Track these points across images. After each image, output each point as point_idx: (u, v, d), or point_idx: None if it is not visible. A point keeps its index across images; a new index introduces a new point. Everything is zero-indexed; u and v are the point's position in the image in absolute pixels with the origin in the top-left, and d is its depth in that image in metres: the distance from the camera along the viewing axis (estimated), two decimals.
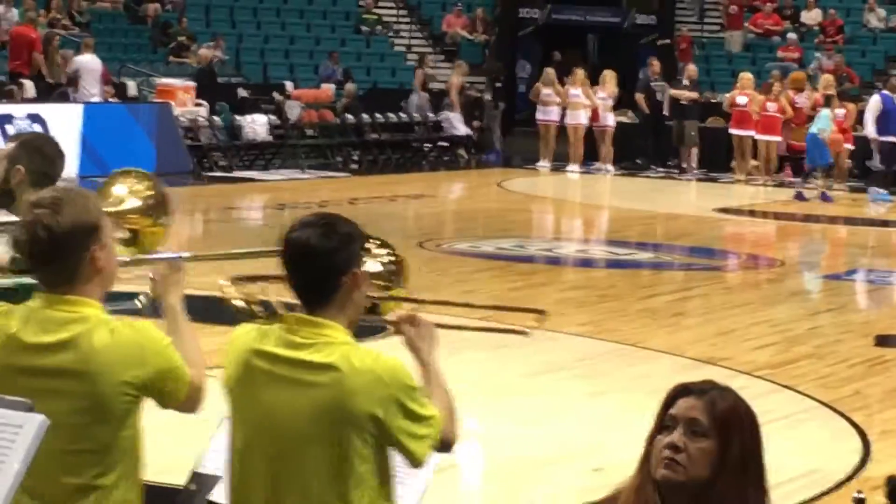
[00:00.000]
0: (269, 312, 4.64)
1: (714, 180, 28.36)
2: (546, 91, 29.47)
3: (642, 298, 15.64)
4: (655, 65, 30.59)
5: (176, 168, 25.79)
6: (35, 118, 24.61)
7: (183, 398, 4.46)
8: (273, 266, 4.51)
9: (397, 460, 4.42)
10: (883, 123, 25.93)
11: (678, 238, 20.71)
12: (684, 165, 29.23)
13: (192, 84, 28.74)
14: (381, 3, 36.26)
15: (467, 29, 35.89)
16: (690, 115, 29.19)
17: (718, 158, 28.80)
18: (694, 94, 29.22)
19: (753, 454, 3.81)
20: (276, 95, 30.17)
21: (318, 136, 29.59)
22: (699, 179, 28.69)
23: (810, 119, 27.31)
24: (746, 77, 28.43)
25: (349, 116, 30.04)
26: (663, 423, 3.83)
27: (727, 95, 29.03)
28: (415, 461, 4.38)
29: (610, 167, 29.12)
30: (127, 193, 5.01)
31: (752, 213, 24.36)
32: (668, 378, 4.07)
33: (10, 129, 24.14)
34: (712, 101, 30.74)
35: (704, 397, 3.80)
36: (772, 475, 3.80)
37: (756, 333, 13.69)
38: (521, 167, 29.94)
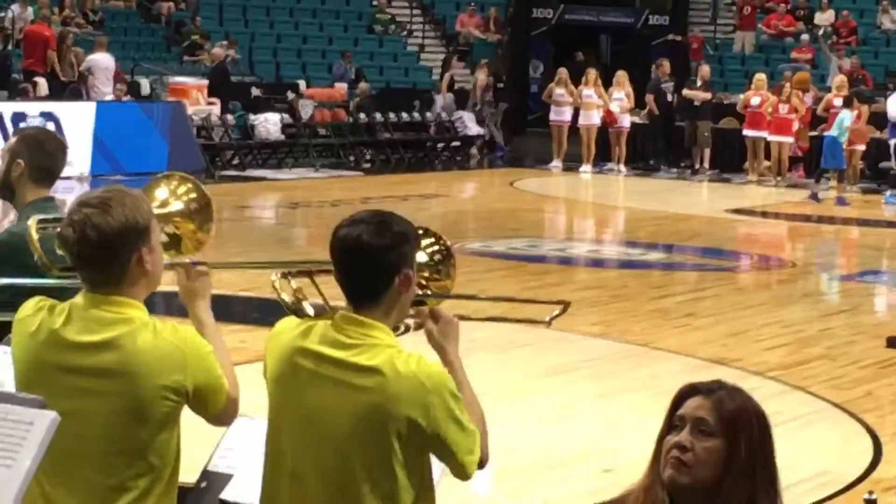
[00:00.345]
0: (318, 310, 4.52)
1: (726, 181, 28.36)
2: (559, 91, 29.50)
3: (654, 299, 15.64)
4: (665, 65, 30.63)
5: (188, 167, 25.72)
6: (48, 116, 24.64)
7: (220, 409, 4.43)
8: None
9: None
10: None
11: (690, 239, 20.70)
12: (697, 166, 29.24)
13: (205, 83, 28.79)
14: (394, 3, 36.29)
15: (480, 29, 35.89)
16: (703, 116, 29.23)
17: (731, 159, 28.81)
18: (707, 95, 29.24)
19: (762, 455, 3.80)
20: (288, 94, 30.22)
21: (330, 136, 29.63)
22: (711, 180, 28.70)
23: (816, 120, 27.32)
24: (760, 78, 28.44)
25: (362, 116, 30.07)
26: (672, 423, 3.83)
27: (741, 96, 29.03)
28: (462, 473, 4.33)
29: (622, 168, 29.13)
30: (170, 196, 4.96)
31: (764, 214, 24.35)
32: (678, 379, 4.07)
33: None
34: (725, 102, 30.72)
35: (712, 397, 3.81)
36: (783, 476, 3.80)
37: (767, 334, 13.69)
38: (533, 167, 29.96)
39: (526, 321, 5.28)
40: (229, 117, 28.17)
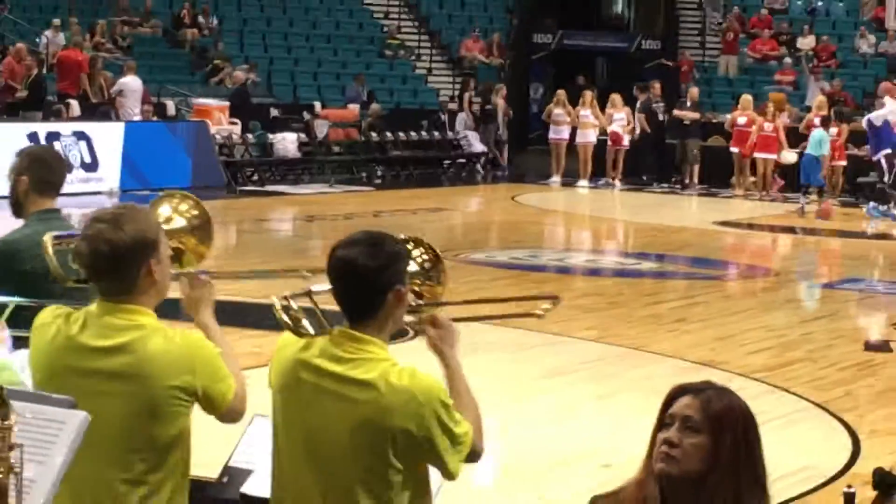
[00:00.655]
0: (316, 330, 4.55)
1: (714, 195, 28.34)
2: (558, 111, 29.56)
3: (647, 305, 15.65)
4: (656, 87, 30.75)
5: (211, 182, 25.86)
6: (80, 135, 24.68)
7: (227, 408, 4.45)
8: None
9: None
10: (885, 138, 25.88)
11: (681, 249, 20.70)
12: (686, 181, 29.27)
13: (226, 104, 28.81)
14: (403, 29, 36.32)
15: (484, 53, 35.90)
16: (693, 135, 29.31)
17: (719, 175, 28.81)
18: (696, 115, 29.29)
19: (747, 453, 3.79)
20: (305, 115, 30.25)
21: (344, 153, 29.66)
22: (700, 194, 28.68)
23: (799, 138, 27.28)
24: (746, 99, 28.52)
25: (373, 134, 30.12)
26: (664, 421, 3.83)
27: (728, 116, 29.06)
28: (448, 475, 4.35)
29: (617, 183, 29.15)
30: (173, 213, 4.99)
31: (750, 226, 24.31)
32: (670, 380, 4.06)
33: (58, 145, 24.20)
34: (713, 121, 30.73)
35: (701, 396, 3.81)
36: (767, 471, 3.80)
37: (753, 338, 13.68)
38: (534, 182, 29.96)
39: (521, 315, 5.35)
40: (249, 136, 28.20)
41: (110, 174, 24.72)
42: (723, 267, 19.68)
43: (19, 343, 5.03)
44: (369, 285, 4.30)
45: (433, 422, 4.23)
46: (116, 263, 4.37)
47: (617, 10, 40.55)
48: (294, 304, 4.51)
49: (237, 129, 28.18)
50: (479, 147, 31.79)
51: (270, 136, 28.48)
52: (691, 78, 34.12)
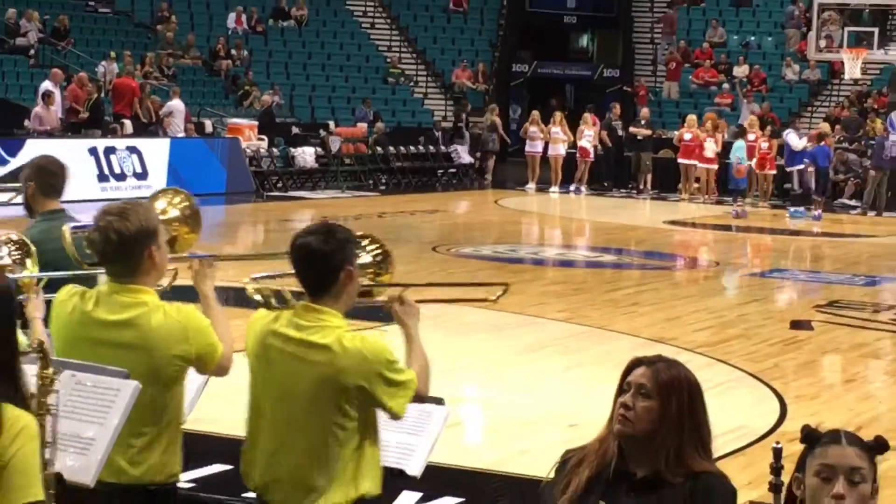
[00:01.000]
0: (281, 303, 4.69)
1: (664, 199, 28.33)
2: (532, 129, 29.62)
3: (607, 291, 15.63)
4: (617, 109, 30.85)
5: (242, 189, 25.87)
6: (133, 149, 24.67)
7: (215, 366, 4.55)
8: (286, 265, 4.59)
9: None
10: (795, 155, 25.97)
11: (636, 244, 20.70)
12: (641, 187, 29.29)
13: (255, 123, 28.82)
14: (403, 60, 36.29)
15: (471, 80, 35.89)
16: (645, 148, 29.38)
17: (668, 182, 28.83)
18: (647, 131, 29.37)
19: (691, 416, 3.80)
20: (321, 132, 30.24)
21: (354, 164, 29.63)
22: (652, 198, 28.68)
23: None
24: (691, 118, 28.56)
25: (378, 148, 30.09)
26: (622, 388, 3.84)
27: (675, 133, 29.09)
28: (395, 415, 4.46)
29: (583, 188, 29.16)
30: (168, 206, 5.01)
31: (694, 224, 24.33)
32: (627, 354, 4.05)
33: (114, 159, 24.21)
34: (663, 136, 30.75)
35: (652, 367, 3.82)
36: None
37: (696, 319, 13.67)
38: (513, 189, 29.95)
39: (477, 300, 5.40)
40: (274, 150, 28.19)
41: (158, 182, 24.65)
42: (671, 259, 19.69)
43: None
44: (324, 266, 4.41)
45: (380, 377, 4.35)
46: (123, 249, 4.42)
47: (582, 44, 40.53)
48: (264, 286, 4.69)
49: (264, 144, 28.16)
50: (467, 159, 31.80)
51: (292, 149, 28.50)
52: (647, 101, 34.14)
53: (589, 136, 29.12)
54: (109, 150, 24.22)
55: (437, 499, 7.12)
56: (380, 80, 35.36)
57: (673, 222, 24.05)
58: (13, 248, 5.20)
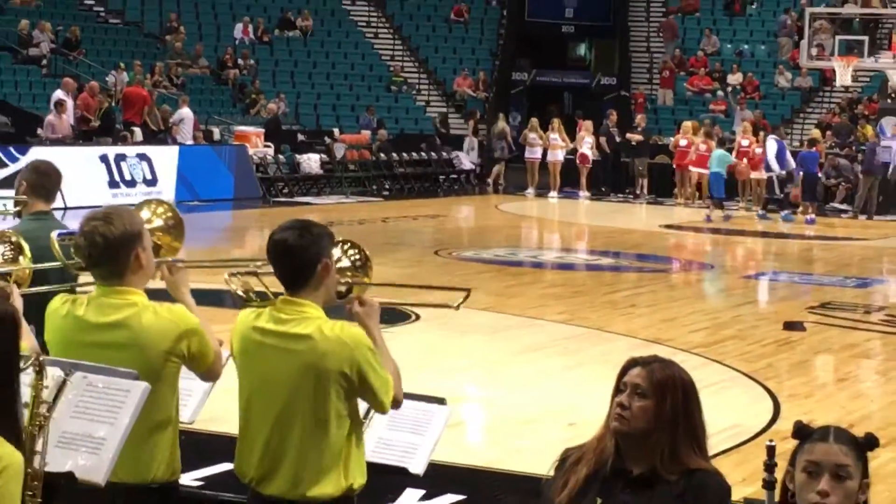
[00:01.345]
0: (261, 298, 4.69)
1: (661, 203, 28.34)
2: (532, 136, 29.63)
3: (605, 294, 15.64)
4: (613, 116, 30.80)
5: (249, 195, 25.87)
6: (143, 156, 24.68)
7: (209, 365, 4.53)
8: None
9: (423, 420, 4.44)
10: (777, 160, 26.03)
11: (633, 248, 20.70)
12: (637, 192, 29.30)
13: (261, 130, 28.83)
14: (406, 69, 36.30)
15: (472, 88, 35.89)
16: (641, 154, 29.38)
17: (664, 187, 28.82)
18: (639, 137, 29.43)
19: (685, 415, 3.79)
20: (326, 139, 30.27)
21: (358, 170, 29.64)
22: (649, 203, 28.69)
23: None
24: (686, 125, 28.47)
25: (382, 155, 30.11)
26: (619, 387, 3.83)
27: (672, 139, 29.07)
28: (381, 408, 4.45)
29: (581, 193, 29.17)
30: (152, 216, 5.01)
31: (689, 228, 24.32)
32: (625, 354, 4.05)
33: (124, 166, 24.21)
34: (659, 143, 30.75)
35: (648, 367, 3.81)
36: None
37: (692, 320, 13.67)
38: (513, 194, 29.95)
39: (438, 305, 5.30)
40: (280, 156, 28.19)
41: (167, 188, 24.69)
42: (667, 262, 19.68)
43: None
44: (301, 259, 4.40)
45: (364, 363, 4.33)
46: (109, 252, 4.41)
47: (580, 52, 40.55)
48: (240, 284, 4.72)
49: (271, 150, 28.18)
50: (468, 165, 31.80)
51: (298, 156, 28.48)
52: (643, 108, 34.14)
53: (589, 143, 29.14)
54: (120, 158, 24.23)
55: (440, 496, 7.11)
56: (383, 88, 35.38)
57: (669, 226, 24.06)
58: (7, 248, 5.18)
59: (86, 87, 26.20)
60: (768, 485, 4.92)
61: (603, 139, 29.78)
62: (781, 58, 35.78)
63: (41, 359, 3.63)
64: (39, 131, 24.58)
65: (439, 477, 6.62)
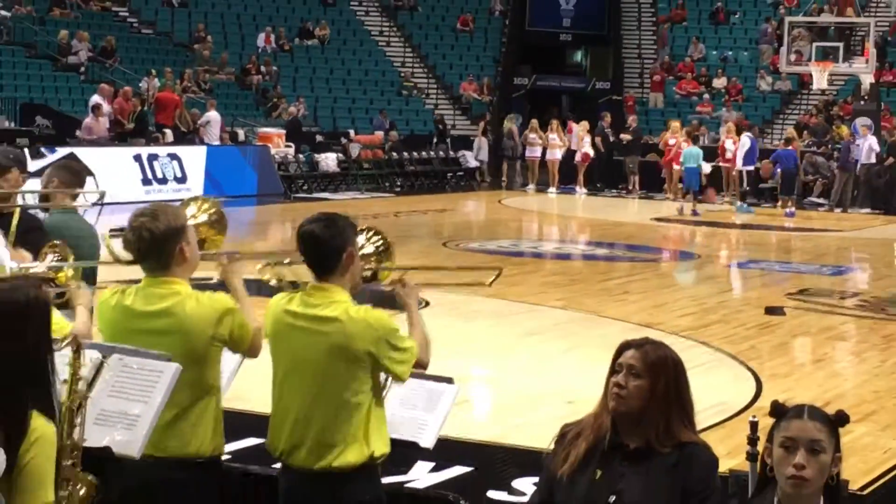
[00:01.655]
0: (293, 285, 4.74)
1: (651, 198, 28.29)
2: (532, 136, 29.58)
3: (601, 281, 15.63)
4: (607, 118, 30.82)
5: (272, 191, 25.88)
6: (173, 156, 24.69)
7: (247, 346, 4.53)
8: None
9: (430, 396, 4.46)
10: (749, 156, 26.02)
11: (625, 239, 20.69)
12: (629, 188, 29.27)
13: (283, 132, 28.83)
14: (416, 74, 36.28)
15: (477, 92, 35.86)
16: (632, 152, 29.35)
17: (655, 183, 28.78)
18: (629, 136, 29.45)
19: (677, 392, 3.81)
20: (342, 139, 30.26)
21: (371, 168, 29.64)
22: (640, 198, 28.65)
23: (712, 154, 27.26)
24: (674, 125, 28.40)
25: (394, 154, 30.12)
26: (614, 368, 3.84)
27: (660, 138, 29.04)
28: (399, 379, 4.51)
29: (577, 189, 29.16)
30: (197, 211, 5.01)
31: (677, 221, 24.30)
32: (619, 337, 4.05)
33: (157, 165, 24.23)
34: (650, 142, 30.71)
35: (641, 349, 3.82)
36: None
37: (681, 305, 13.67)
38: (515, 189, 29.94)
39: (472, 284, 5.60)
40: (300, 156, 28.21)
41: (196, 185, 24.71)
42: (657, 252, 19.68)
43: None
44: (327, 249, 4.45)
45: (385, 342, 4.39)
46: (155, 246, 4.42)
47: (576, 59, 40.49)
48: (272, 274, 4.85)
49: (291, 150, 28.19)
50: (473, 163, 31.78)
51: (316, 155, 28.49)
52: (634, 110, 34.11)
53: (588, 142, 29.13)
54: (152, 157, 24.24)
55: (448, 468, 7.12)
56: (394, 92, 35.36)
57: (659, 219, 24.03)
58: (55, 256, 5.19)
59: (120, 93, 26.20)
60: (751, 457, 4.92)
61: (598, 139, 29.76)
62: (763, 63, 35.72)
63: (79, 340, 3.65)
64: (78, 133, 24.60)
65: (448, 450, 6.63)
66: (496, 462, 7.69)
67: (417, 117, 34.65)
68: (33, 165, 18.41)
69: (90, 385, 3.76)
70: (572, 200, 28.26)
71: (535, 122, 30.21)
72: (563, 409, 8.53)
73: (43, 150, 21.57)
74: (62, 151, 21.75)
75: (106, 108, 24.98)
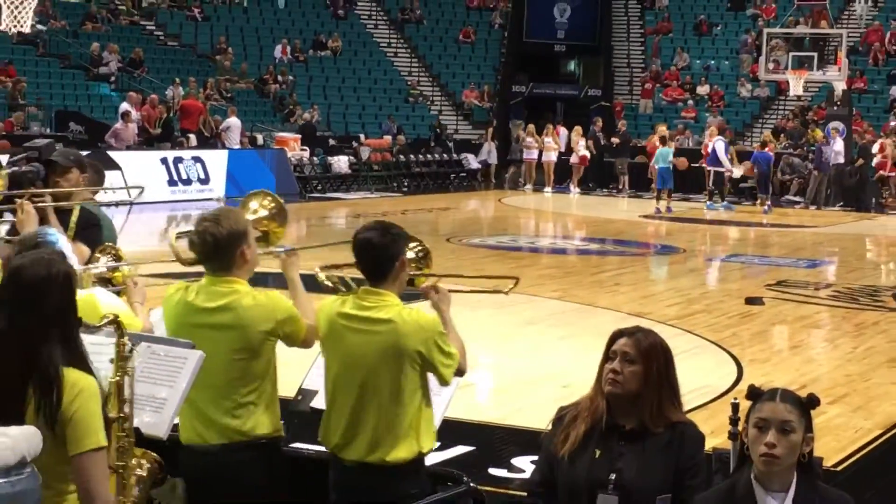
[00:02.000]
0: (346, 287, 4.66)
1: (640, 197, 28.26)
2: (528, 139, 29.60)
3: (593, 274, 15.64)
4: (599, 122, 30.83)
5: (288, 191, 25.81)
6: (197, 159, 24.70)
7: (301, 340, 4.49)
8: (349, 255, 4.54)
9: (433, 383, 4.45)
10: (716, 158, 25.96)
11: (616, 235, 20.68)
12: (619, 187, 29.25)
13: (298, 136, 28.84)
14: (421, 83, 36.26)
15: (478, 99, 35.84)
16: (622, 154, 29.36)
17: (643, 183, 28.76)
18: (617, 140, 29.48)
19: (667, 375, 3.83)
20: (353, 143, 30.25)
21: (380, 170, 29.65)
22: (630, 196, 28.63)
23: (698, 156, 27.23)
24: (661, 129, 28.39)
25: (401, 157, 30.11)
26: (608, 355, 3.84)
27: (647, 141, 29.03)
28: (444, 381, 4.42)
29: (572, 188, 29.14)
30: (259, 206, 4.99)
31: (664, 218, 24.26)
32: (610, 326, 4.05)
33: (181, 167, 24.24)
34: (639, 145, 30.69)
35: (634, 337, 3.82)
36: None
37: (667, 296, 13.68)
38: (514, 189, 29.93)
39: (493, 291, 5.50)
40: (314, 158, 28.22)
41: (218, 186, 24.73)
42: (646, 247, 19.67)
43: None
44: (382, 256, 4.38)
45: (434, 344, 4.32)
46: (218, 250, 4.40)
47: (570, 68, 40.42)
48: (328, 275, 4.78)
49: (306, 153, 28.19)
50: (475, 165, 31.78)
51: (329, 158, 28.51)
52: (624, 115, 34.08)
53: (582, 146, 29.11)
54: (177, 160, 24.24)
55: (452, 447, 7.13)
56: (402, 99, 35.35)
57: (646, 216, 24.01)
58: (111, 258, 5.21)
59: (148, 100, 26.22)
60: (733, 436, 4.91)
61: (590, 142, 29.75)
62: (743, 71, 35.68)
63: (119, 320, 3.66)
64: (108, 138, 24.61)
65: (452, 431, 6.64)
66: (496, 441, 7.69)
67: (423, 122, 34.63)
68: None
69: (130, 364, 3.74)
70: (566, 199, 28.24)
71: (531, 126, 30.22)
72: (559, 393, 8.54)
73: None
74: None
75: (134, 114, 25.00)
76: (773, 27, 33.04)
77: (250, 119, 30.04)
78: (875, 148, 27.74)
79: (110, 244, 5.30)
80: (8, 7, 15.63)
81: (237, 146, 26.54)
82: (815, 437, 3.57)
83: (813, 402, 3.52)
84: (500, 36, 38.22)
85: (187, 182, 24.22)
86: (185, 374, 4.00)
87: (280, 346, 4.50)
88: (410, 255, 4.68)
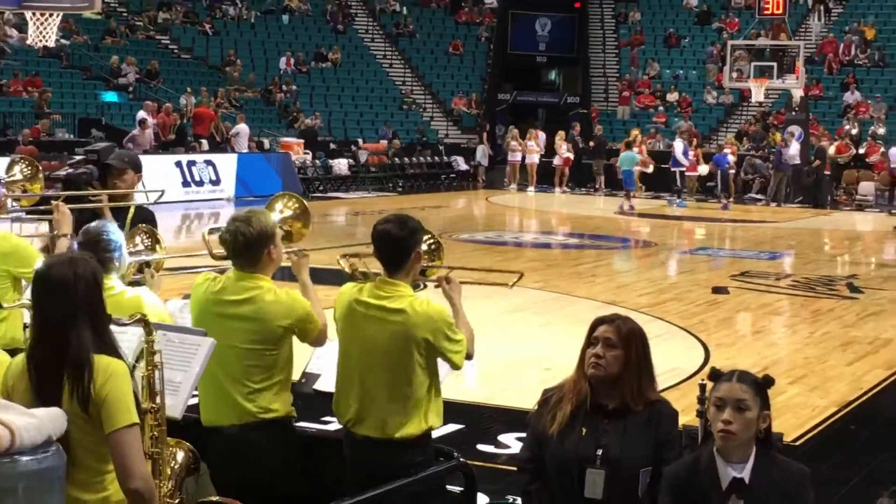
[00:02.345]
0: (364, 276, 4.66)
1: (615, 195, 28.24)
2: (513, 143, 29.61)
3: (573, 266, 15.65)
4: (577, 127, 30.83)
5: (292, 192, 25.75)
6: (209, 162, 24.66)
7: (314, 337, 4.50)
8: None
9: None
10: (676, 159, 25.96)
11: (593, 230, 20.70)
12: (597, 187, 29.26)
13: (301, 141, 28.79)
14: (414, 91, 36.22)
15: (466, 106, 35.81)
16: (598, 157, 29.36)
17: (618, 182, 28.75)
18: (592, 143, 29.48)
19: (644, 358, 3.84)
20: (352, 147, 30.22)
21: (377, 172, 29.62)
22: (606, 195, 28.63)
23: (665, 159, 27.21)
24: (634, 133, 28.45)
25: (396, 159, 30.08)
26: (590, 341, 3.84)
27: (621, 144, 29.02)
28: (455, 366, 4.42)
29: (557, 188, 29.16)
30: (284, 207, 4.97)
31: (638, 214, 24.29)
32: (589, 314, 4.06)
33: (194, 170, 24.19)
34: (614, 147, 30.69)
35: (614, 324, 3.83)
36: None
37: (641, 286, 13.69)
38: (499, 189, 29.92)
39: (498, 284, 5.48)
40: (317, 161, 28.18)
41: (228, 187, 24.68)
42: (621, 241, 19.68)
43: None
44: (399, 247, 4.33)
45: (441, 333, 4.30)
46: (247, 248, 4.39)
47: (551, 77, 40.42)
48: (348, 264, 4.77)
49: (309, 156, 28.16)
50: (465, 167, 31.76)
51: (330, 161, 28.48)
52: (599, 120, 34.07)
53: (565, 149, 29.16)
54: (191, 163, 24.20)
55: (443, 426, 7.11)
56: (396, 106, 35.31)
57: (621, 213, 24.00)
58: (145, 237, 5.21)
59: (163, 109, 26.17)
60: (700, 414, 4.92)
61: (569, 145, 29.76)
62: (709, 80, 35.67)
63: (146, 318, 3.65)
64: (126, 143, 24.54)
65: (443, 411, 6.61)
66: (484, 420, 7.69)
67: (416, 128, 34.60)
68: None
69: (158, 359, 3.72)
70: (548, 198, 28.24)
71: (515, 130, 30.27)
72: (542, 375, 8.55)
73: None
74: None
75: (150, 121, 24.94)
76: (736, 39, 33.02)
77: (257, 125, 29.98)
78: (832, 150, 27.86)
79: (144, 225, 5.29)
80: (34, 24, 15.63)
81: (245, 150, 26.50)
82: (776, 415, 3.59)
83: (768, 382, 3.54)
84: (487, 48, 38.20)
85: (200, 183, 24.18)
86: (199, 359, 3.99)
87: None
88: (423, 247, 4.64)
